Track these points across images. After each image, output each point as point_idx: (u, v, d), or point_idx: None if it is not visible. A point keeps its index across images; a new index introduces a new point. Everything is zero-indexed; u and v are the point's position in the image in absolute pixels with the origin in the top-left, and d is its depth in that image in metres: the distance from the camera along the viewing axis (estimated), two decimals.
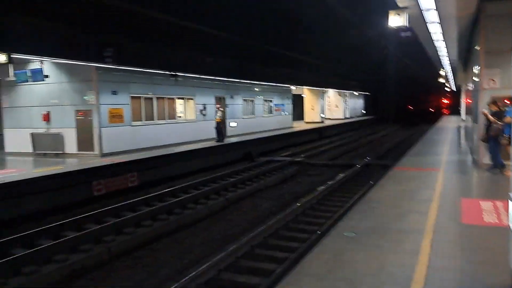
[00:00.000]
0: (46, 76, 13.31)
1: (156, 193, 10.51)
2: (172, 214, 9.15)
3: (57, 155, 13.80)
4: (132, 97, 14.88)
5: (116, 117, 14.12)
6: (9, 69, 12.11)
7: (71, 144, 13.85)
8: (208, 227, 8.66)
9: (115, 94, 14.14)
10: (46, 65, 13.36)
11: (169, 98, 16.74)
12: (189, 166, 14.32)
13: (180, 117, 17.58)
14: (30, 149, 14.31)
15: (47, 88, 14.09)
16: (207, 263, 5.99)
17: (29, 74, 13.31)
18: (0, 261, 6.17)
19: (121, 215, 8.93)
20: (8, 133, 15.11)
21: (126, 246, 7.34)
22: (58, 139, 13.90)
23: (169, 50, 15.38)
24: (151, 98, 15.79)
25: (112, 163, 11.86)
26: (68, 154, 13.74)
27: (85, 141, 13.70)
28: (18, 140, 14.66)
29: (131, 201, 9.76)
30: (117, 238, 7.59)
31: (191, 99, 18.18)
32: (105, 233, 7.66)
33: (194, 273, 5.69)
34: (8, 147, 15.01)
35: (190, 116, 18.10)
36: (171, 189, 10.95)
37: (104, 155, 13.45)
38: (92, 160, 12.58)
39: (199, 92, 18.60)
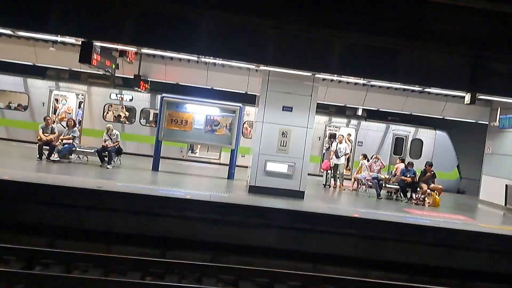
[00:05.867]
0: None
1: None
2: None
3: None
4: None
5: None
6: (496, 114, 11.52)
7: None
8: None
9: None
10: None
11: None
12: None
13: None
14: (502, 201, 13.04)
15: None
16: None
17: None
18: None
19: None
20: (485, 180, 14.56)
21: None
22: None
23: None
24: None
25: None
26: None
27: None
28: (492, 189, 13.78)
29: None
30: None
31: None
32: None
33: None
34: (482, 194, 14.44)
35: None
36: None
37: None
38: None
39: None
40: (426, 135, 16.77)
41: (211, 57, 8.91)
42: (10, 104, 16.04)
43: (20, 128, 15.00)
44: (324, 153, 15.00)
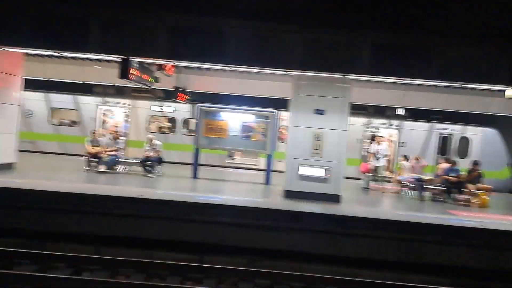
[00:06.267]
0: None
1: None
2: None
3: None
4: None
5: None
6: None
7: None
8: None
9: None
10: None
11: None
12: None
13: None
14: None
15: None
16: None
17: None
18: None
19: None
20: None
21: None
22: None
23: None
24: None
25: None
26: None
27: None
28: None
29: None
30: None
31: None
32: None
33: None
34: None
35: None
36: None
37: None
38: None
39: None
40: (473, 132, 16.00)
41: (241, 66, 9.11)
42: (63, 121, 17.19)
43: (72, 143, 16.00)
44: (364, 155, 14.78)
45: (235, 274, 7.03)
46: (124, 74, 8.19)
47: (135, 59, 8.31)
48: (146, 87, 10.17)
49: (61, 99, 16.63)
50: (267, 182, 11.86)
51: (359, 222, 8.33)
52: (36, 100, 16.35)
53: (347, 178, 13.96)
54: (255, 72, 13.35)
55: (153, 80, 9.92)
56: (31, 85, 15.44)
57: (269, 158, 12.01)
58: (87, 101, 16.47)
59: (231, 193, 10.49)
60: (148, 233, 8.11)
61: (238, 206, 8.54)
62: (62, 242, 7.71)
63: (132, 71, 8.35)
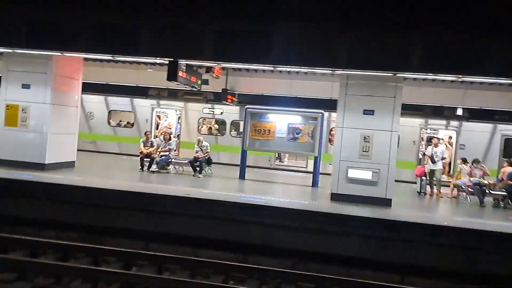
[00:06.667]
0: None
1: None
2: None
3: None
4: None
5: None
6: None
7: None
8: None
9: None
10: None
11: None
12: None
13: None
14: None
15: None
16: None
17: None
18: None
19: None
20: None
21: None
22: None
23: None
24: None
25: None
26: None
27: None
28: None
29: None
30: None
31: None
32: None
33: None
34: None
35: None
36: None
37: None
38: None
39: None
40: None
41: (286, 66, 9.05)
42: (120, 122, 18.09)
43: (128, 143, 16.77)
44: (420, 158, 14.09)
45: (278, 276, 6.96)
46: (172, 76, 8.44)
47: (182, 62, 8.53)
48: (193, 89, 10.41)
49: (119, 102, 17.49)
50: (315, 184, 11.67)
51: (410, 227, 7.94)
52: (97, 102, 17.32)
53: (401, 181, 13.44)
54: (303, 72, 13.24)
55: (201, 82, 10.14)
56: (92, 88, 16.48)
57: (316, 160, 11.81)
58: (142, 104, 17.17)
59: (277, 195, 10.44)
60: (194, 231, 8.28)
61: (283, 207, 8.47)
62: (115, 237, 8.08)
63: (180, 73, 8.58)
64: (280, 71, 13.06)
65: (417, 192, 12.05)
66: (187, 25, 7.91)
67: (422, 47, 7.72)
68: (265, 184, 12.19)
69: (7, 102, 10.42)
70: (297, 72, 13.39)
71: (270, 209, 8.33)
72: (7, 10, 8.34)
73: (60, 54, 9.59)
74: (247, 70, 14.02)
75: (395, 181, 9.87)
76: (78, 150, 12.02)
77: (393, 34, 7.48)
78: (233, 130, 16.60)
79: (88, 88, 15.69)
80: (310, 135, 11.65)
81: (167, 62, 8.49)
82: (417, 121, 15.37)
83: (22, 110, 10.22)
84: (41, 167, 10.21)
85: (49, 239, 7.54)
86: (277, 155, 16.00)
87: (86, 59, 11.76)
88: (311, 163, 14.95)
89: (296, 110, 12.18)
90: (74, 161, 11.54)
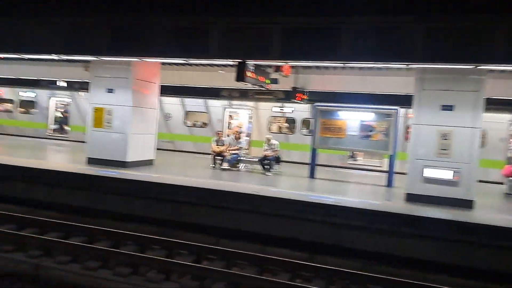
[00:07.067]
0: None
1: None
2: None
3: None
4: None
5: None
6: None
7: None
8: None
9: None
10: None
11: None
12: None
13: None
14: None
15: None
16: None
17: None
18: None
19: None
20: None
21: None
22: None
23: None
24: None
25: None
26: None
27: None
28: None
29: None
30: None
31: None
32: None
33: None
34: None
35: None
36: None
37: None
38: None
39: None
40: None
41: (358, 63, 8.79)
42: (196, 122, 18.90)
43: (203, 143, 17.44)
44: (509, 157, 12.86)
45: (347, 276, 6.80)
46: (240, 77, 8.62)
47: (250, 62, 8.67)
48: (262, 89, 10.52)
49: (194, 103, 18.28)
50: (389, 184, 11.17)
51: (493, 232, 7.27)
52: (174, 104, 18.28)
53: (486, 182, 12.35)
54: (377, 68, 12.74)
55: (269, 82, 10.21)
56: (170, 90, 17.43)
57: (391, 158, 11.28)
58: (215, 104, 17.77)
59: (348, 194, 10.17)
60: (262, 228, 8.38)
61: (353, 207, 8.24)
62: (188, 232, 8.48)
63: (248, 73, 8.73)
64: (352, 67, 12.68)
65: (505, 193, 10.99)
66: (254, 25, 8.03)
67: (508, 35, 7.02)
68: (336, 183, 11.93)
69: (94, 105, 11.44)
70: (370, 68, 12.90)
71: (339, 209, 8.15)
72: (92, 22, 9.13)
73: (139, 60, 10.28)
74: (317, 67, 13.83)
75: (480, 181, 9.05)
76: (158, 149, 12.78)
77: (475, 21, 6.88)
78: (304, 128, 16.50)
79: (166, 90, 16.64)
80: (384, 132, 11.16)
81: (235, 64, 8.68)
82: (506, 117, 14.01)
83: (107, 113, 11.14)
84: (123, 164, 11.04)
85: (130, 231, 8.13)
86: (350, 154, 15.57)
87: (163, 64, 12.45)
88: (386, 162, 14.37)
89: (369, 107, 11.74)
90: (152, 160, 12.30)
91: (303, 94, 15.16)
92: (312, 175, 11.85)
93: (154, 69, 11.85)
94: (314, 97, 16.08)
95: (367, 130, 11.43)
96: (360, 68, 12.98)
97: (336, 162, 15.28)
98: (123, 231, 8.05)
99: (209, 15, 7.95)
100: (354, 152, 15.42)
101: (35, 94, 20.67)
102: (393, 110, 11.18)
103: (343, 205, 8.28)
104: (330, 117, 11.73)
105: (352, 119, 11.61)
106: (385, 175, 11.85)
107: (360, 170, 15.04)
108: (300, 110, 16.30)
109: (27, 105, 21.17)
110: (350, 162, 15.71)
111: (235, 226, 8.50)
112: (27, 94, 20.85)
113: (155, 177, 10.02)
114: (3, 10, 8.97)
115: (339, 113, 11.73)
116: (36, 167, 10.37)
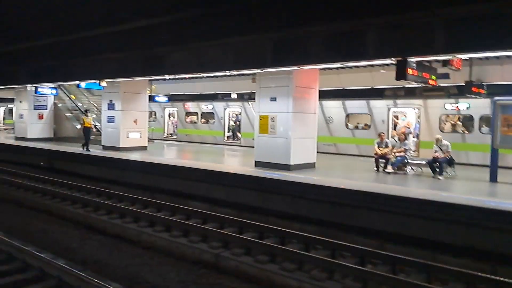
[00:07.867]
0: None
1: None
2: None
3: None
4: None
5: None
6: None
7: None
8: None
9: None
10: None
11: None
12: None
13: None
14: None
15: None
16: None
17: None
18: None
19: None
20: None
21: None
22: None
23: None
24: None
25: None
26: None
27: None
28: None
29: None
30: None
31: None
32: None
33: None
34: None
35: None
36: None
37: None
38: None
39: None
40: None
41: None
42: (358, 124, 18.64)
43: (365, 145, 17.06)
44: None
45: None
46: (401, 75, 8.20)
47: (412, 59, 8.18)
48: (425, 85, 9.72)
49: (355, 105, 18.07)
50: None
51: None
52: (335, 107, 18.41)
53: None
54: None
55: (435, 78, 9.39)
56: (331, 94, 17.69)
57: None
58: (378, 105, 17.16)
59: None
60: (431, 234, 7.81)
61: None
62: (350, 233, 8.49)
63: (409, 71, 8.24)
64: None
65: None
66: (413, 20, 7.57)
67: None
68: None
69: (260, 113, 12.46)
70: None
71: None
72: (257, 39, 10.02)
73: (298, 68, 10.80)
74: (497, 57, 12.07)
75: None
76: (320, 152, 13.12)
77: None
78: (483, 126, 14.55)
79: (327, 94, 16.92)
80: None
81: (395, 62, 8.32)
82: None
83: (271, 120, 12.01)
84: (287, 167, 11.71)
85: (295, 230, 8.59)
86: None
87: (322, 69, 12.75)
88: None
89: None
90: (314, 163, 12.67)
91: (480, 88, 13.40)
92: (493, 179, 10.40)
93: (313, 75, 12.23)
94: (496, 90, 14.07)
95: None
96: None
97: None
98: (289, 229, 8.54)
99: (365, 16, 7.82)
100: None
101: (213, 106, 23.68)
102: None
103: None
104: None
105: None
106: None
107: None
108: (477, 106, 14.46)
109: (208, 116, 24.45)
110: None
111: (400, 231, 8.14)
112: (207, 106, 24.07)
113: (316, 179, 10.31)
114: (190, 38, 10.53)
115: None
116: (217, 170, 11.90)
